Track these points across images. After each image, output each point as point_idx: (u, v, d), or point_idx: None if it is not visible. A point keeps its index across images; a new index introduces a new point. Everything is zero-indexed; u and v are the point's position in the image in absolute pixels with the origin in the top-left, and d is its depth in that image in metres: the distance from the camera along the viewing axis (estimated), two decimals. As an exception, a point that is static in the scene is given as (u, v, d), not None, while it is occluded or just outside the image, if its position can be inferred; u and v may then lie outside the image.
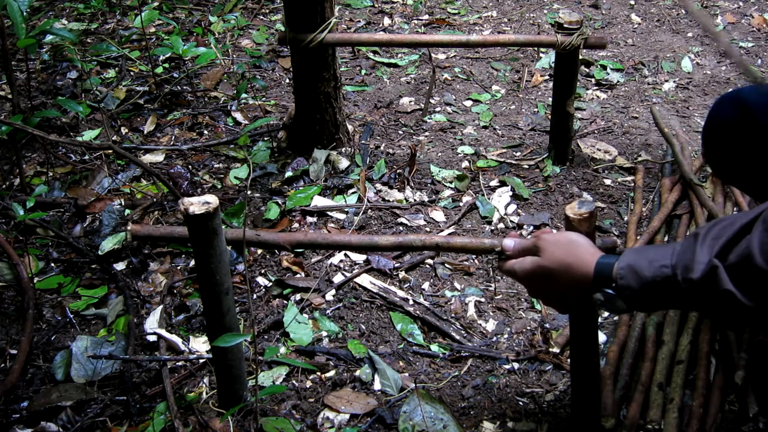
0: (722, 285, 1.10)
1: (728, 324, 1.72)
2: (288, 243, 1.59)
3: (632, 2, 4.27)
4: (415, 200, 2.57)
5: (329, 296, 2.15)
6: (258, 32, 3.91)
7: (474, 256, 2.30)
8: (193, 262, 2.26)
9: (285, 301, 2.13)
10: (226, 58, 3.57)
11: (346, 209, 2.50)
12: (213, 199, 1.42)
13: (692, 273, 1.14)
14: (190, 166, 2.75)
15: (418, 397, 1.76)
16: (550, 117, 2.77)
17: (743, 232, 1.12)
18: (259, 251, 2.33)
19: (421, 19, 4.10)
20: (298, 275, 2.23)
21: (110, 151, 2.76)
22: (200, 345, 1.99)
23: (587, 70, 3.49)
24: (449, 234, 2.40)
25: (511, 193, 2.59)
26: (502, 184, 2.65)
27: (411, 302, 2.13)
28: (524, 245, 1.41)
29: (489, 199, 2.57)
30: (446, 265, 2.27)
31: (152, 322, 2.03)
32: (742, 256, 1.09)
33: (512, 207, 2.52)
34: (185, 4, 4.20)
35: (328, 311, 2.10)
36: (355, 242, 1.62)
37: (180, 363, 1.92)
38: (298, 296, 2.15)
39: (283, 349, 1.97)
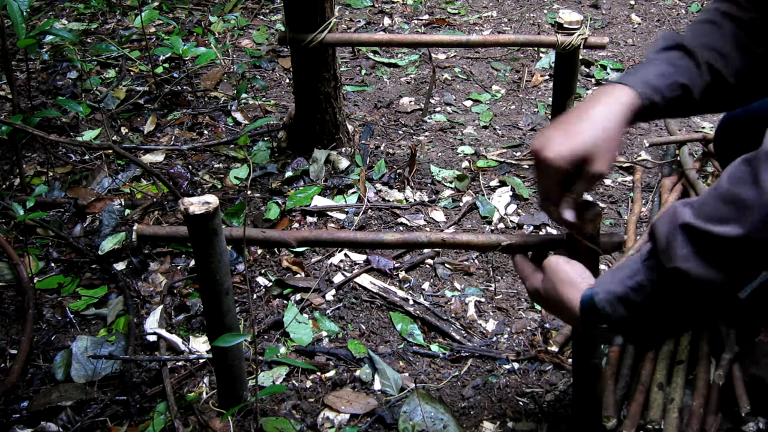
0: (681, 249, 1.07)
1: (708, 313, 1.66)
2: (294, 240, 1.58)
3: (632, 2, 4.27)
4: (415, 200, 2.57)
5: (329, 296, 2.15)
6: (258, 32, 3.92)
7: (474, 256, 2.30)
8: (193, 262, 2.26)
9: (285, 301, 2.13)
10: (226, 58, 3.57)
11: (346, 209, 2.50)
12: (213, 199, 1.42)
13: (657, 244, 1.12)
14: (190, 166, 2.75)
15: (418, 397, 1.76)
16: (550, 117, 2.77)
17: None
18: (259, 251, 2.33)
19: (421, 19, 4.10)
20: (298, 275, 2.23)
21: (110, 151, 2.76)
22: (200, 345, 1.99)
23: (587, 70, 3.49)
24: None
25: (511, 193, 2.59)
26: (502, 184, 2.65)
27: (411, 302, 2.13)
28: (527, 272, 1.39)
29: (489, 199, 2.57)
30: (446, 265, 2.27)
31: (152, 322, 2.03)
32: (707, 194, 1.07)
33: (512, 207, 2.52)
34: (185, 4, 4.20)
35: (328, 311, 2.10)
36: (361, 239, 1.61)
37: (180, 363, 1.92)
38: (298, 296, 2.15)
39: (283, 349, 1.97)
